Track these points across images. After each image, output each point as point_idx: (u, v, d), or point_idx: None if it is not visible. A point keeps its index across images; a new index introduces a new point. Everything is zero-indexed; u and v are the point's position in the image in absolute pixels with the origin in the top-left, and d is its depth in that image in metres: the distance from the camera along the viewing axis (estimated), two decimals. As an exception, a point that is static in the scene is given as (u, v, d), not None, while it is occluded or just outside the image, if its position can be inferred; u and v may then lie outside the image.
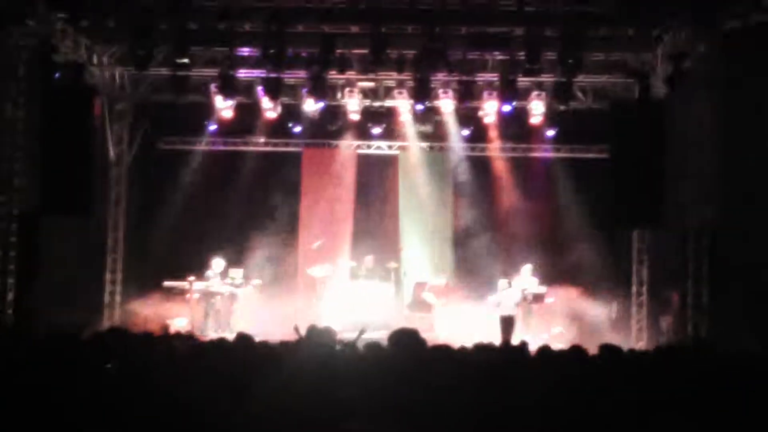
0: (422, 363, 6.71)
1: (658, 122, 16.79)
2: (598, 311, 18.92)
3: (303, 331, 8.26)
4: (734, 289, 16.47)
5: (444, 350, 7.26)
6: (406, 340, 7.09)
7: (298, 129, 20.27)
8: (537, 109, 19.24)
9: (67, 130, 16.35)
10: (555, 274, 19.10)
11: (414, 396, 6.09)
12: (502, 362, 7.53)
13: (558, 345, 10.72)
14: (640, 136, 16.75)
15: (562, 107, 18.66)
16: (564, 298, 18.85)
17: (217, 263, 18.95)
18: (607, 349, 7.87)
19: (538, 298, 18.54)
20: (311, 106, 19.30)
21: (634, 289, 19.99)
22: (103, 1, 16.04)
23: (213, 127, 20.25)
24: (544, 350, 8.42)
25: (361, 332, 9.69)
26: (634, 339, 19.08)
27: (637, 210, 16.83)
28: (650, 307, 19.55)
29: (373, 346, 7.67)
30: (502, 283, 18.35)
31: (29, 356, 7.28)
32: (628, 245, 20.17)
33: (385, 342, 7.45)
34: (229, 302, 18.92)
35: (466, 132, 20.26)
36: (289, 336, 8.78)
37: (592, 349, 8.14)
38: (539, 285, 18.64)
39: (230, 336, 9.95)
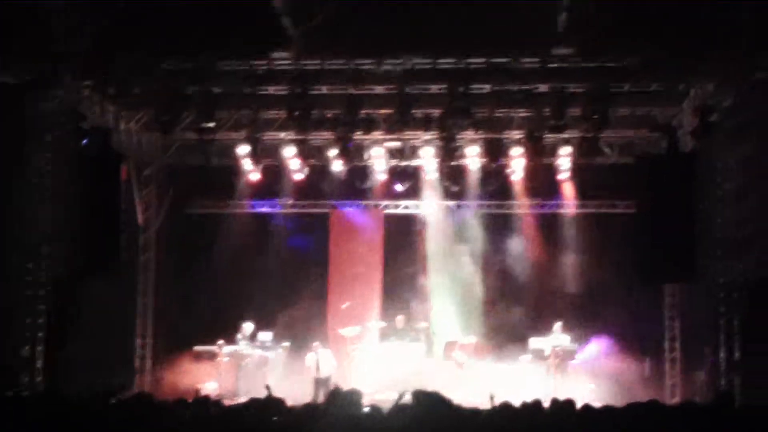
0: (446, 424, 6.62)
1: (687, 175, 16.68)
2: (631, 368, 18.68)
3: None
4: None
5: (468, 411, 7.15)
6: (429, 400, 7.01)
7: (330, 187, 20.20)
8: (564, 164, 19.22)
9: (96, 195, 16.42)
10: (586, 331, 18.90)
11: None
12: (531, 423, 7.41)
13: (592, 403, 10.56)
14: (669, 190, 16.63)
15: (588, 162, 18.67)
16: (595, 355, 18.66)
17: (247, 326, 18.93)
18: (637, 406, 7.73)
19: (569, 354, 18.34)
20: (339, 167, 19.43)
21: (666, 345, 19.75)
22: (128, 68, 16.19)
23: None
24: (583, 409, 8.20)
25: (401, 397, 9.58)
26: (668, 396, 18.80)
27: (667, 264, 16.66)
28: (683, 363, 19.29)
29: (399, 408, 7.57)
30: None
31: (59, 423, 7.23)
32: (660, 300, 19.95)
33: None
34: (259, 365, 18.85)
35: (492, 189, 20.19)
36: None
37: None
38: (571, 342, 18.46)
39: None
